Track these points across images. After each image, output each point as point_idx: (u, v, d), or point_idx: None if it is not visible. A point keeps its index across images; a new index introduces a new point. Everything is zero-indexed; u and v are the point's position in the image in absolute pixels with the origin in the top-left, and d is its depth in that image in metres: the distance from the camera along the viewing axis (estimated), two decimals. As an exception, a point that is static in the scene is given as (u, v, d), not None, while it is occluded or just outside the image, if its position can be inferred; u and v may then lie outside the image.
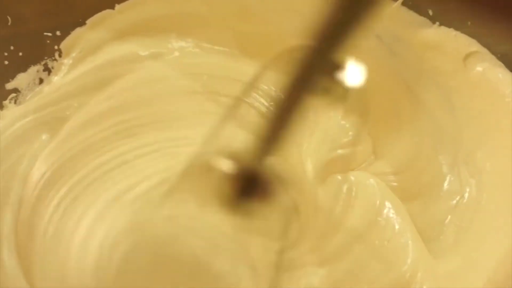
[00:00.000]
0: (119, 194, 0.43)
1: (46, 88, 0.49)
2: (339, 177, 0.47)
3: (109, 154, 0.45)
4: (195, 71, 0.52)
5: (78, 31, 0.50)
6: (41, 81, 0.49)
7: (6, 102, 0.47)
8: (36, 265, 0.41)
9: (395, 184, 0.49)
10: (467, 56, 0.48)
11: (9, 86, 0.48)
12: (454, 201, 0.46)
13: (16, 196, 0.43)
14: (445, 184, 0.47)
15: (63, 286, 0.40)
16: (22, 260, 0.41)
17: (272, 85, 0.51)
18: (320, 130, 0.48)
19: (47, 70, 0.50)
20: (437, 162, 0.48)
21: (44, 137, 0.46)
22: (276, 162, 0.32)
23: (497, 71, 0.46)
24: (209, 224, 0.41)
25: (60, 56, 0.50)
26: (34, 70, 0.49)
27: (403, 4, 0.50)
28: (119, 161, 0.45)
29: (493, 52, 0.47)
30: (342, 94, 0.30)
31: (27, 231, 0.42)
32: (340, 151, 0.48)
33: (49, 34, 0.49)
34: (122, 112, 0.47)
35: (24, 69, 0.48)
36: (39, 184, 0.43)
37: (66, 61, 0.50)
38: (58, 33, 0.50)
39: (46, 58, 0.50)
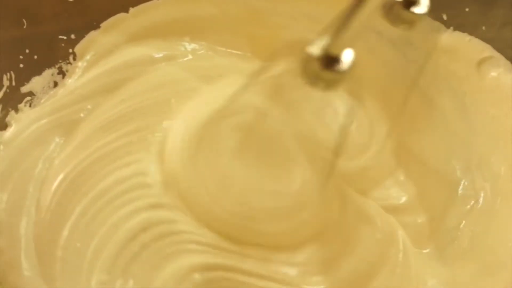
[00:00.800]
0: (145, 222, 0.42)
1: (60, 91, 0.49)
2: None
3: (128, 168, 0.45)
4: (208, 73, 0.52)
5: (92, 34, 0.51)
6: (55, 84, 0.49)
7: (21, 105, 0.47)
8: (58, 272, 0.40)
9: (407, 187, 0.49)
10: (481, 61, 0.48)
11: (24, 89, 0.48)
12: (469, 206, 0.46)
13: (33, 199, 0.43)
14: (459, 189, 0.47)
15: None
16: (42, 267, 0.40)
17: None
18: None
19: (62, 73, 0.50)
20: (451, 166, 0.48)
21: (58, 139, 0.46)
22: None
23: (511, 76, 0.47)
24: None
25: (74, 59, 0.50)
26: (48, 73, 0.49)
27: (417, 8, 0.50)
28: (140, 180, 0.44)
29: (508, 57, 0.47)
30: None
31: (47, 237, 0.41)
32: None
33: (64, 37, 0.50)
34: (136, 117, 0.47)
35: (39, 72, 0.49)
36: (59, 190, 0.43)
37: (81, 64, 0.50)
38: (72, 36, 0.50)
39: (60, 61, 0.50)
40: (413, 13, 0.37)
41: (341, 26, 0.31)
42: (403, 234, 0.45)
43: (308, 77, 0.34)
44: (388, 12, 0.38)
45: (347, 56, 0.33)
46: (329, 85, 0.34)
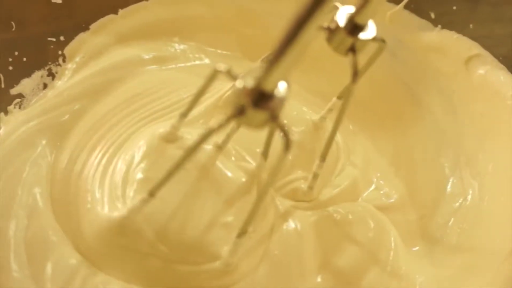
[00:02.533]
0: None
1: (50, 92, 0.49)
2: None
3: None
4: (198, 73, 0.52)
5: (81, 36, 0.51)
6: (45, 86, 0.49)
7: (10, 108, 0.47)
8: (49, 274, 0.40)
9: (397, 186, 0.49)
10: (469, 59, 0.48)
11: (13, 91, 0.48)
12: (457, 204, 0.46)
13: (21, 202, 0.43)
14: (448, 187, 0.47)
15: None
16: (33, 269, 0.40)
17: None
18: None
19: (51, 75, 0.50)
20: (440, 164, 0.48)
21: (48, 142, 0.46)
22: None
23: (499, 73, 0.47)
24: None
25: (64, 61, 0.50)
26: (38, 75, 0.49)
27: (405, 7, 0.50)
28: None
29: (495, 55, 0.47)
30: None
31: (41, 245, 0.41)
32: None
33: (53, 39, 0.50)
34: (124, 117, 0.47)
35: (28, 74, 0.49)
36: (55, 200, 0.43)
37: (70, 66, 0.50)
38: (61, 38, 0.50)
39: (50, 63, 0.50)
40: (359, 39, 0.34)
41: (275, 59, 0.27)
42: (395, 232, 0.45)
43: (238, 112, 0.30)
44: (331, 37, 0.34)
45: (280, 92, 0.29)
46: (261, 123, 0.30)
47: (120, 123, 0.47)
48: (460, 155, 0.47)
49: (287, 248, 0.42)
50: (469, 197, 0.46)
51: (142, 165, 0.41)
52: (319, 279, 0.42)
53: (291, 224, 0.43)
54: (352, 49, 0.34)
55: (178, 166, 0.35)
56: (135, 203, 0.39)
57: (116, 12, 0.52)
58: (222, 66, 0.34)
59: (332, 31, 0.34)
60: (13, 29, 0.48)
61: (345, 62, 0.51)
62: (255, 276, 0.41)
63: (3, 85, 0.47)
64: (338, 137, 0.48)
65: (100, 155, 0.45)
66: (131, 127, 0.46)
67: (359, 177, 0.48)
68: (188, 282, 0.39)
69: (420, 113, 0.50)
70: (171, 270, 0.39)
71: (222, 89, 0.47)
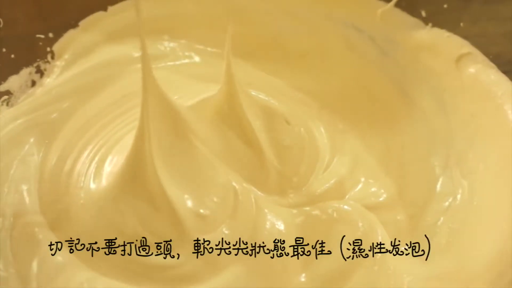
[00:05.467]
0: None
1: (38, 90, 0.49)
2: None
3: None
4: (188, 72, 0.52)
5: (70, 33, 0.51)
6: (33, 83, 0.49)
7: (-2, 104, 0.47)
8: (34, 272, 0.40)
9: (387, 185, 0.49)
10: (460, 58, 0.48)
11: (1, 88, 0.48)
12: (447, 203, 0.46)
13: (7, 200, 0.43)
14: (438, 186, 0.47)
15: None
16: (18, 267, 0.40)
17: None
18: None
19: (40, 72, 0.50)
20: (430, 163, 0.48)
21: (36, 140, 0.46)
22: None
23: (490, 72, 0.46)
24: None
25: (52, 58, 0.50)
26: (26, 72, 0.49)
27: (396, 5, 0.50)
28: None
29: (486, 54, 0.47)
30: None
31: (27, 243, 0.41)
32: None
33: (42, 36, 0.50)
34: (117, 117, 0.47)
35: (16, 71, 0.49)
36: (43, 198, 0.43)
37: (59, 63, 0.50)
38: (50, 35, 0.50)
39: (38, 60, 0.50)
40: None
41: None
42: (383, 232, 0.45)
43: None
44: None
45: None
46: None
47: (112, 123, 0.47)
48: (450, 154, 0.47)
49: (269, 246, 0.41)
50: (459, 196, 0.45)
51: None
52: (302, 279, 0.41)
53: (274, 221, 0.42)
54: None
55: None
56: None
57: (105, 9, 0.52)
58: None
59: None
60: (1, 26, 0.47)
61: (333, 60, 0.51)
62: (235, 274, 0.40)
63: (-10, 82, 0.47)
64: (324, 135, 0.48)
65: (92, 154, 0.45)
66: (124, 127, 0.46)
67: (346, 175, 0.47)
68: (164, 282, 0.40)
69: (410, 111, 0.50)
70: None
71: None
